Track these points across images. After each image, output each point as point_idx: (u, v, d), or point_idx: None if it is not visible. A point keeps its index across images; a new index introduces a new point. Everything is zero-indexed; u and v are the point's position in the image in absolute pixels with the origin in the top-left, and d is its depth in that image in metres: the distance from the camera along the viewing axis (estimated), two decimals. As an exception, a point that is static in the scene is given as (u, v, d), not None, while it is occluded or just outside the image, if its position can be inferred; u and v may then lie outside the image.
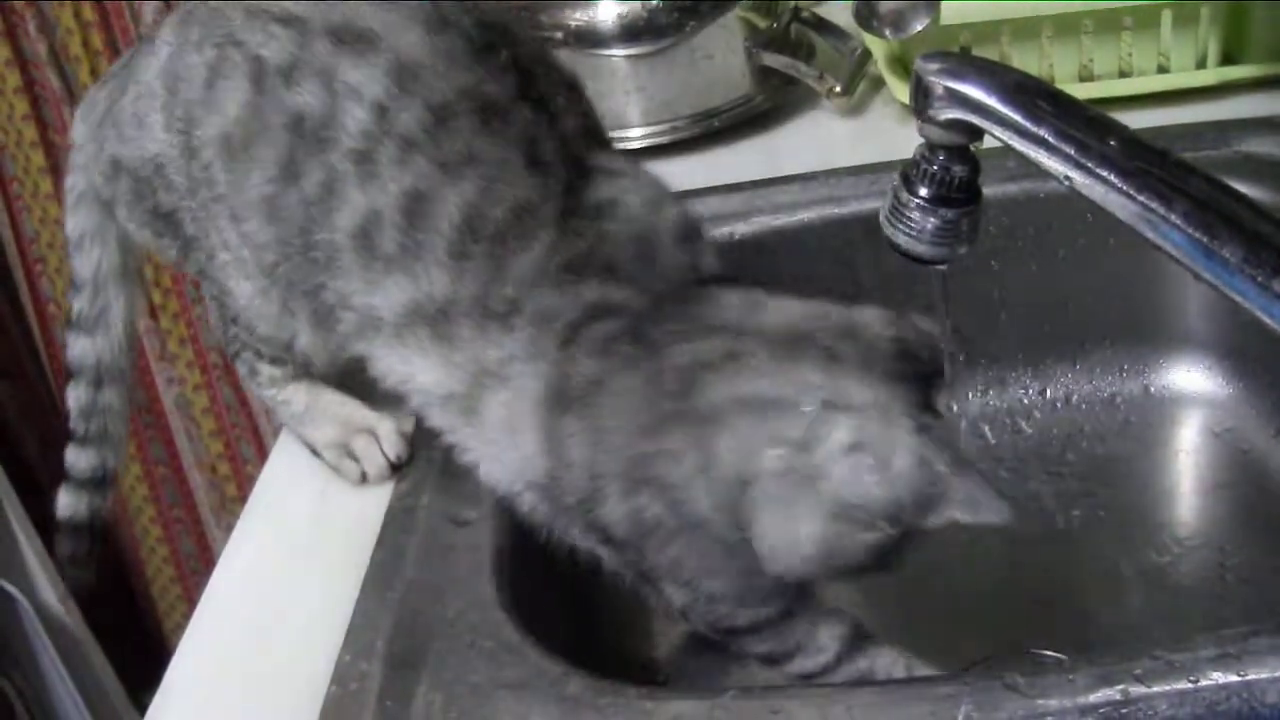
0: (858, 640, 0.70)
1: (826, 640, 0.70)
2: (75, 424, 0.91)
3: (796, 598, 0.70)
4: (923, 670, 0.70)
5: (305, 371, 0.83)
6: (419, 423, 0.78)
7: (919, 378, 0.63)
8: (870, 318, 0.65)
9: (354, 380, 0.82)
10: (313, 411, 0.84)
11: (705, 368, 0.65)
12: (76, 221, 0.86)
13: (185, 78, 0.77)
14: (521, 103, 0.72)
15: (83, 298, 0.88)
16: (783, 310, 0.67)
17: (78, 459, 0.91)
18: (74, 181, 0.86)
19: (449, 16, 0.74)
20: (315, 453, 0.84)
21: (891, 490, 0.61)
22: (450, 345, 0.71)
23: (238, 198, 0.76)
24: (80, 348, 0.89)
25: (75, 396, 0.90)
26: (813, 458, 0.62)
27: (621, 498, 0.67)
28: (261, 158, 0.74)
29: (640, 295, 0.69)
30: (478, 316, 0.70)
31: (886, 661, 0.70)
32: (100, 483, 0.92)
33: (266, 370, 0.83)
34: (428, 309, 0.71)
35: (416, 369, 0.73)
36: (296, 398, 0.84)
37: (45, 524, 1.67)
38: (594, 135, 0.76)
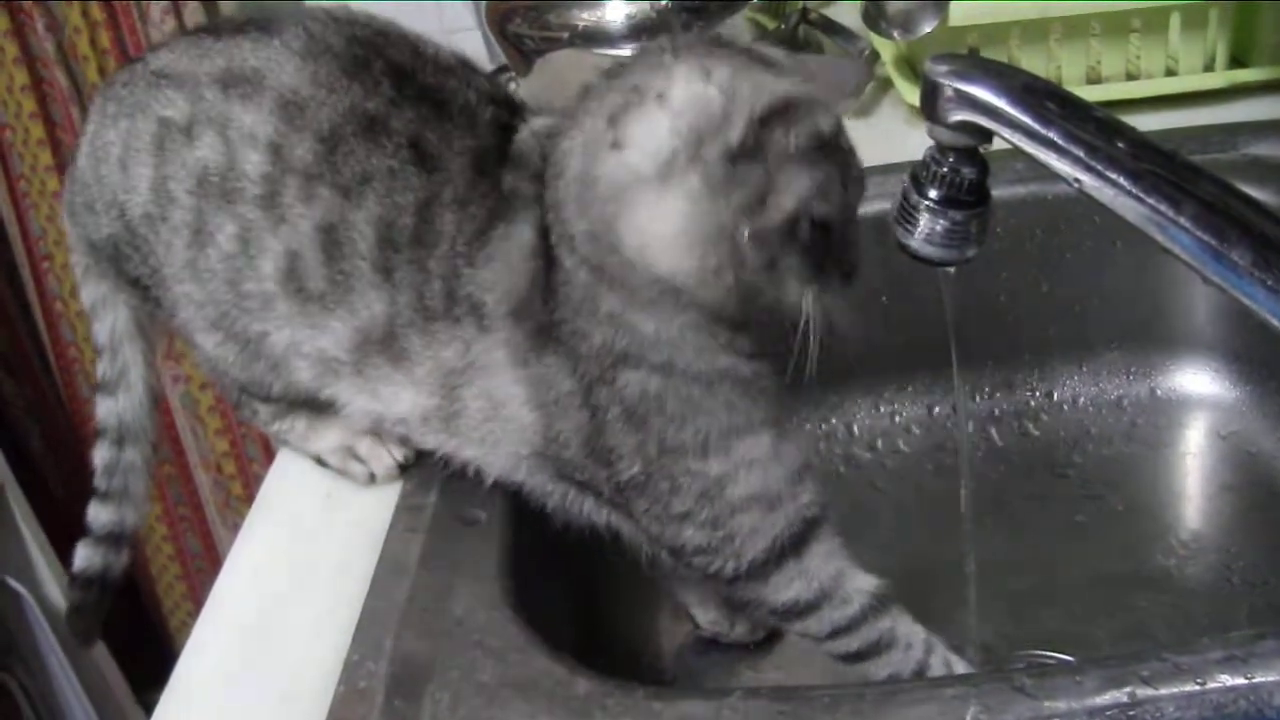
0: (884, 600, 0.70)
1: (851, 591, 0.70)
2: (98, 481, 0.93)
3: (800, 542, 0.69)
4: (941, 646, 0.70)
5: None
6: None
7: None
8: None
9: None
10: (315, 424, 0.84)
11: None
12: (87, 292, 0.89)
13: (103, 158, 0.80)
14: (401, 106, 0.74)
15: (104, 361, 0.91)
16: None
17: (98, 514, 0.93)
18: (76, 259, 0.89)
19: (320, 40, 0.76)
20: (321, 462, 0.84)
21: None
22: (410, 362, 0.73)
23: (171, 263, 0.79)
24: (105, 408, 0.91)
25: (100, 455, 0.92)
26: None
27: (610, 395, 0.67)
28: (177, 225, 0.77)
29: None
30: (421, 322, 0.72)
31: (907, 629, 0.70)
32: (118, 539, 0.93)
33: (263, 408, 0.85)
34: (375, 334, 0.73)
35: (387, 401, 0.75)
36: (299, 422, 0.85)
37: (50, 521, 1.68)
38: (501, 103, 0.76)
